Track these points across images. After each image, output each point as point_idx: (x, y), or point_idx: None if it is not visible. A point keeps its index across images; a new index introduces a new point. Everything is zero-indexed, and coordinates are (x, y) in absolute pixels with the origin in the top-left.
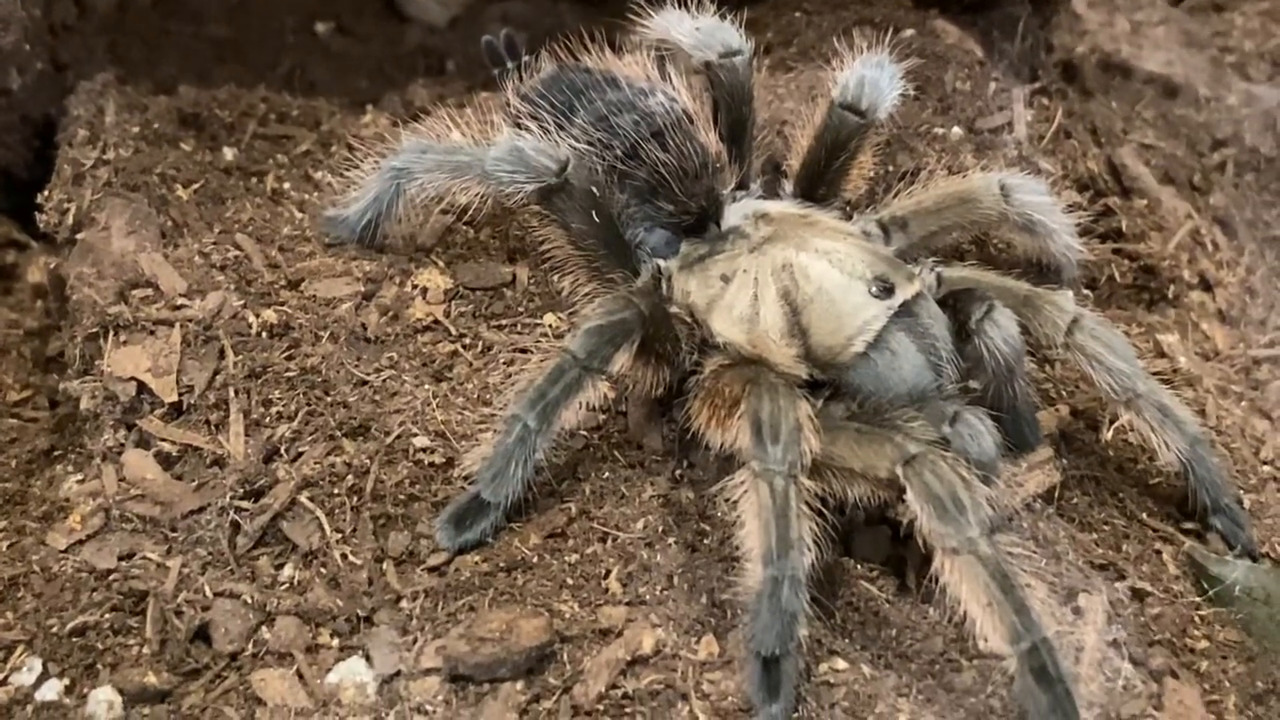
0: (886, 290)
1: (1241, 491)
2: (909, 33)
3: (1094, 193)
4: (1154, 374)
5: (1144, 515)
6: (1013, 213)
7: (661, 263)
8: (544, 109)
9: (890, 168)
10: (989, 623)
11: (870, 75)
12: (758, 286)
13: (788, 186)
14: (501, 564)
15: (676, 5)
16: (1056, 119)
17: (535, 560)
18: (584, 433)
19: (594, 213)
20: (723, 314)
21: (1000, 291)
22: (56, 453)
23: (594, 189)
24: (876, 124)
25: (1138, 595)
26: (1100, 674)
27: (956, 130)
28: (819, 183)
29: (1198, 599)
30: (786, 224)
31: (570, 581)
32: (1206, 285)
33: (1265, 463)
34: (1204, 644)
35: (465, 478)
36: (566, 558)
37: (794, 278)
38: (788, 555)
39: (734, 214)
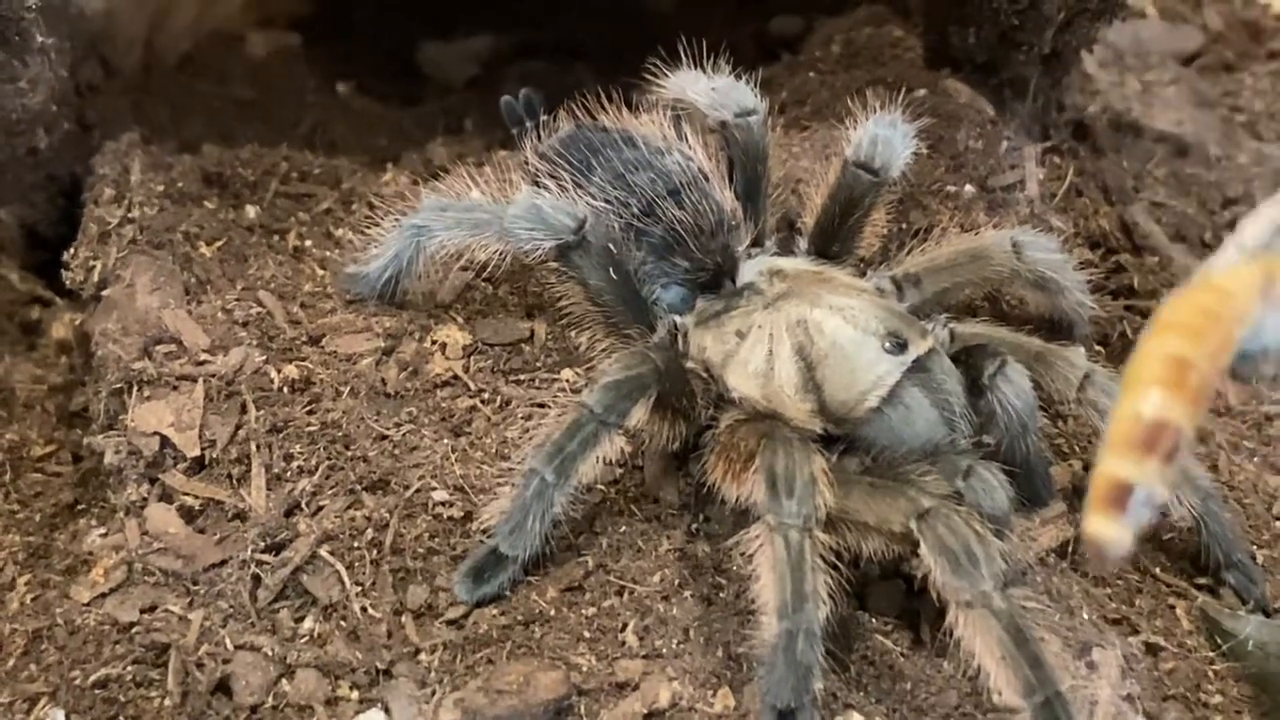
0: (900, 346)
1: (1255, 547)
2: (921, 92)
3: (1105, 250)
4: None
5: (1157, 570)
6: (1024, 269)
7: (678, 319)
8: (562, 167)
9: (904, 225)
10: (1003, 676)
11: (883, 134)
12: (772, 342)
13: (802, 244)
14: (519, 617)
15: (692, 65)
16: (1068, 177)
17: (553, 613)
18: (601, 487)
19: (611, 269)
20: (738, 369)
21: (1012, 347)
22: (80, 506)
23: (611, 246)
24: (889, 182)
25: (1151, 650)
26: None
27: (969, 188)
28: (833, 239)
29: (1211, 654)
30: (801, 280)
31: (587, 635)
32: None
33: (1278, 518)
34: (1218, 699)
35: (483, 531)
36: (584, 611)
37: (808, 333)
38: (802, 609)
39: (749, 270)
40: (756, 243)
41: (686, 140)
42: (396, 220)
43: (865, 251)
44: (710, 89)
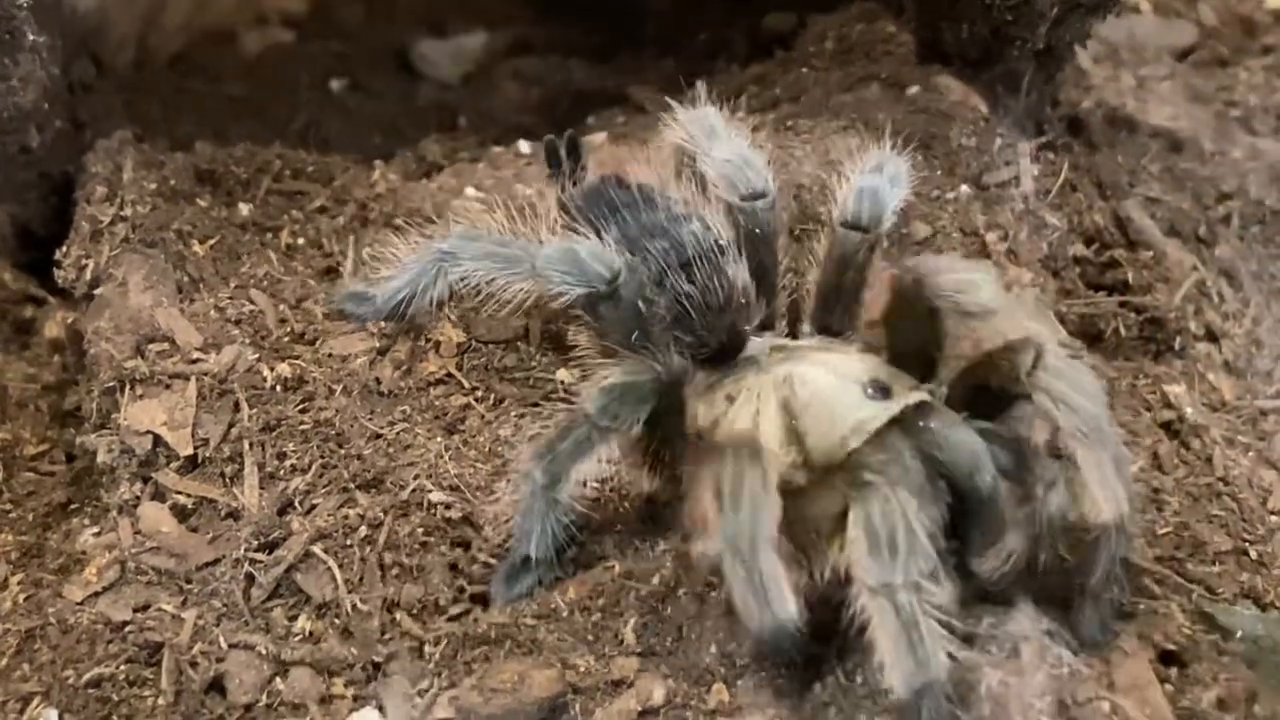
0: (883, 392)
1: (1248, 542)
2: (914, 89)
3: (1100, 245)
4: (1162, 425)
5: (1148, 563)
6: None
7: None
8: (580, 222)
9: (905, 230)
10: (889, 660)
11: (868, 186)
12: (759, 401)
13: (806, 327)
14: (520, 615)
15: (707, 101)
16: (1063, 173)
17: (565, 614)
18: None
19: (634, 328)
20: (725, 431)
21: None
22: (73, 506)
23: (640, 304)
24: (882, 236)
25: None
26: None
27: (965, 189)
28: (832, 312)
29: (1204, 646)
30: (801, 350)
31: (590, 636)
32: (1213, 337)
33: (1273, 513)
34: (1212, 691)
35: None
36: (592, 615)
37: (792, 387)
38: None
39: (753, 348)
40: (766, 326)
41: (711, 206)
42: (417, 244)
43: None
44: (724, 160)
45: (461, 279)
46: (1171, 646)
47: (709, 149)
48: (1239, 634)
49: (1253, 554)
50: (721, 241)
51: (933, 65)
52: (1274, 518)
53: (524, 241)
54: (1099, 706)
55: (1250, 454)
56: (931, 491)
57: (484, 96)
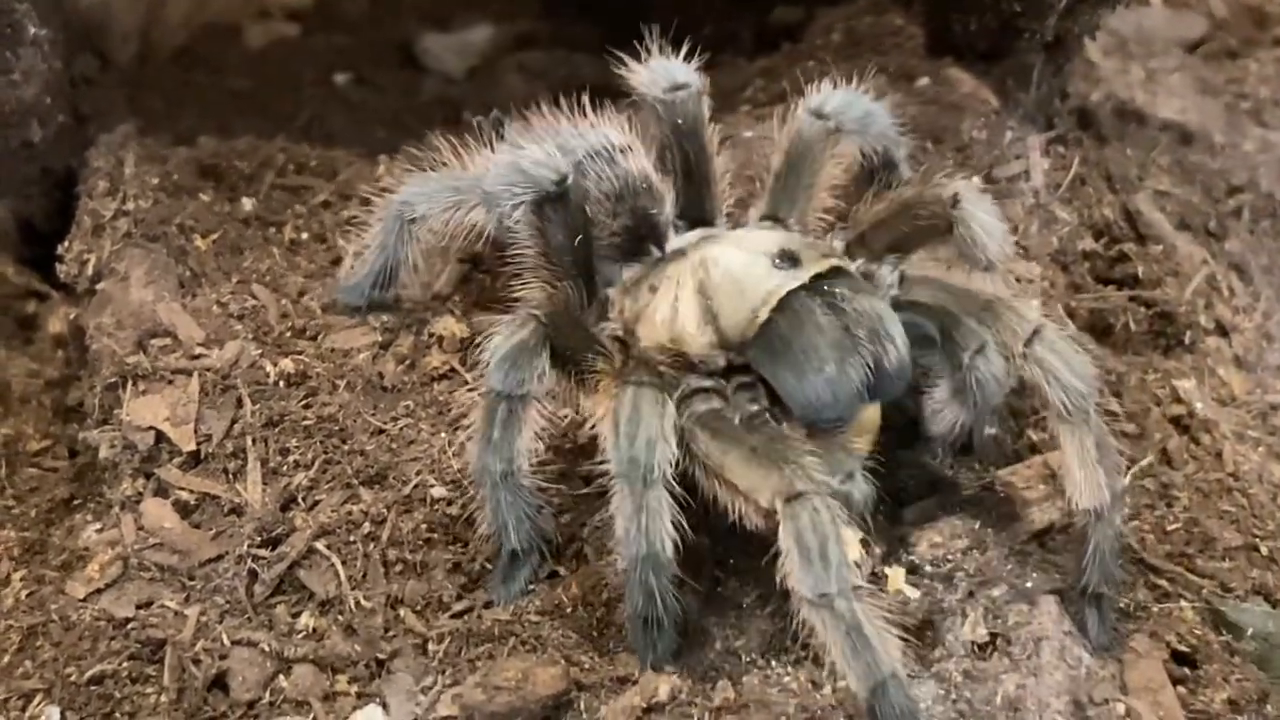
0: (792, 262)
1: (1258, 537)
2: (924, 81)
3: (1110, 239)
4: (1171, 420)
5: (1157, 561)
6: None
7: (609, 291)
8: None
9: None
10: (841, 665)
11: (841, 91)
12: (678, 288)
13: (754, 214)
14: (529, 612)
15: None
16: (1073, 167)
17: (569, 610)
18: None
19: (578, 232)
20: (647, 321)
21: (962, 295)
22: (76, 502)
23: (586, 209)
24: (843, 130)
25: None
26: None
27: (975, 180)
28: (785, 200)
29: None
30: (719, 235)
31: (594, 632)
32: (1223, 331)
33: None
34: (1223, 690)
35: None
36: (596, 611)
37: (706, 269)
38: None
39: (680, 241)
40: (702, 220)
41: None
42: (381, 215)
43: (822, 215)
44: (649, 68)
45: (422, 221)
46: (1183, 647)
47: (637, 70)
48: (1250, 631)
49: (1263, 550)
50: (613, 140)
51: (942, 58)
52: None
53: (471, 173)
54: (1114, 709)
55: (1260, 449)
56: (852, 346)
57: (489, 90)
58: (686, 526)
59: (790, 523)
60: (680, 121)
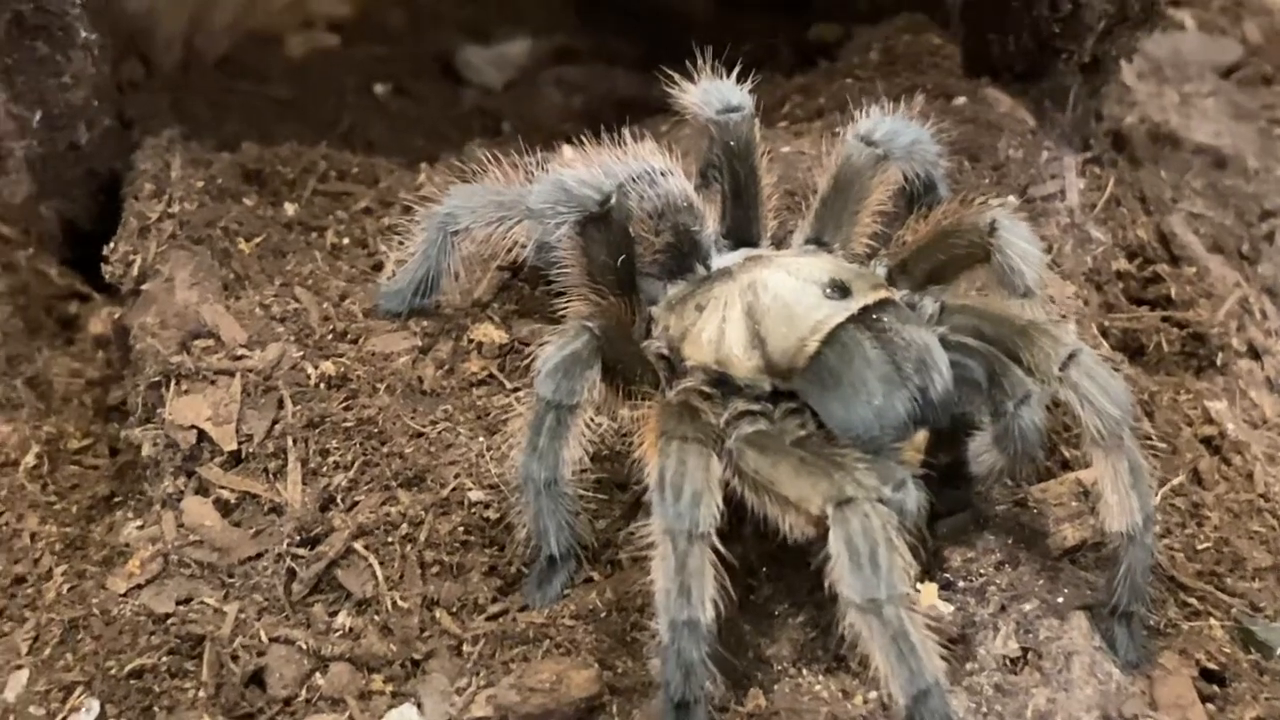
0: (842, 292)
1: None
2: (961, 100)
3: (1143, 260)
4: (1203, 440)
5: (1187, 579)
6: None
7: (652, 309)
8: None
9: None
10: (886, 670)
11: (889, 118)
12: (725, 309)
13: (799, 237)
14: (563, 616)
15: (717, 75)
16: (1108, 188)
17: (603, 614)
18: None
19: (621, 252)
20: (694, 340)
21: (999, 321)
22: (117, 499)
23: (628, 229)
24: (891, 157)
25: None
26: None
27: (1011, 199)
28: (830, 224)
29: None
30: (769, 258)
31: (628, 637)
32: (1255, 353)
33: None
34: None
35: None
36: (630, 616)
37: (755, 292)
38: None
39: (725, 260)
40: (747, 240)
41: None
42: (423, 223)
43: (866, 240)
44: (701, 90)
45: (466, 233)
46: (1213, 665)
47: (688, 91)
48: (1278, 651)
49: None
50: (654, 165)
51: (979, 77)
52: None
53: (516, 188)
54: None
55: None
56: (899, 379)
57: (527, 103)
58: (731, 593)
59: (840, 527)
60: (732, 143)
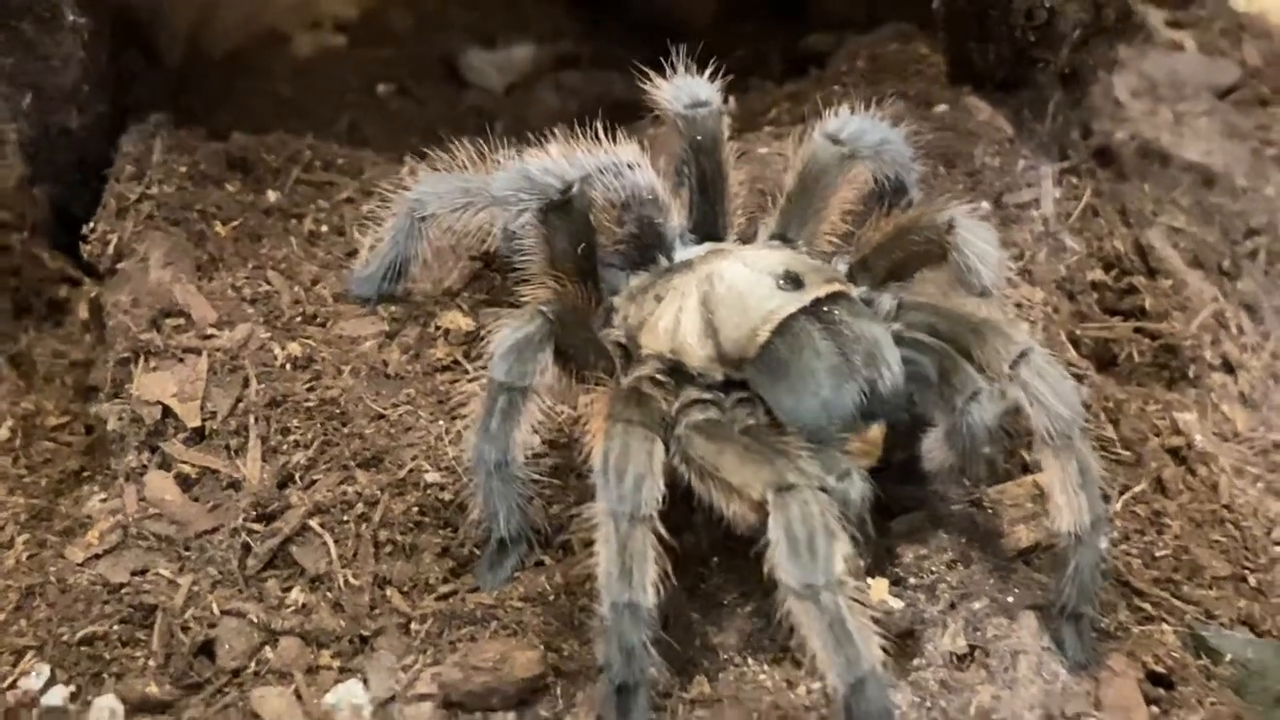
0: (795, 284)
1: (1248, 570)
2: (942, 108)
3: (1119, 271)
4: (1169, 450)
5: (1143, 585)
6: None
7: (614, 299)
8: None
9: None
10: (822, 659)
11: (856, 118)
12: (683, 299)
13: (764, 234)
14: (512, 598)
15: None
16: (1085, 197)
17: (552, 598)
18: None
19: (583, 240)
20: (650, 329)
21: (954, 319)
22: (86, 474)
23: (591, 218)
24: (858, 155)
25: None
26: None
27: (984, 205)
28: (796, 220)
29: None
30: (728, 250)
31: (575, 621)
32: (1229, 368)
33: (1277, 543)
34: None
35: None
36: (579, 600)
37: (711, 283)
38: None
39: (688, 252)
40: (713, 235)
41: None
42: (394, 211)
43: (832, 237)
44: (674, 85)
45: (433, 219)
46: (1160, 669)
47: (661, 87)
48: (1228, 657)
49: (1252, 581)
50: (622, 157)
51: (962, 86)
52: (1278, 548)
53: (483, 175)
54: None
55: (1259, 485)
56: (848, 371)
57: (524, 106)
58: (672, 576)
59: (780, 513)
60: (699, 137)
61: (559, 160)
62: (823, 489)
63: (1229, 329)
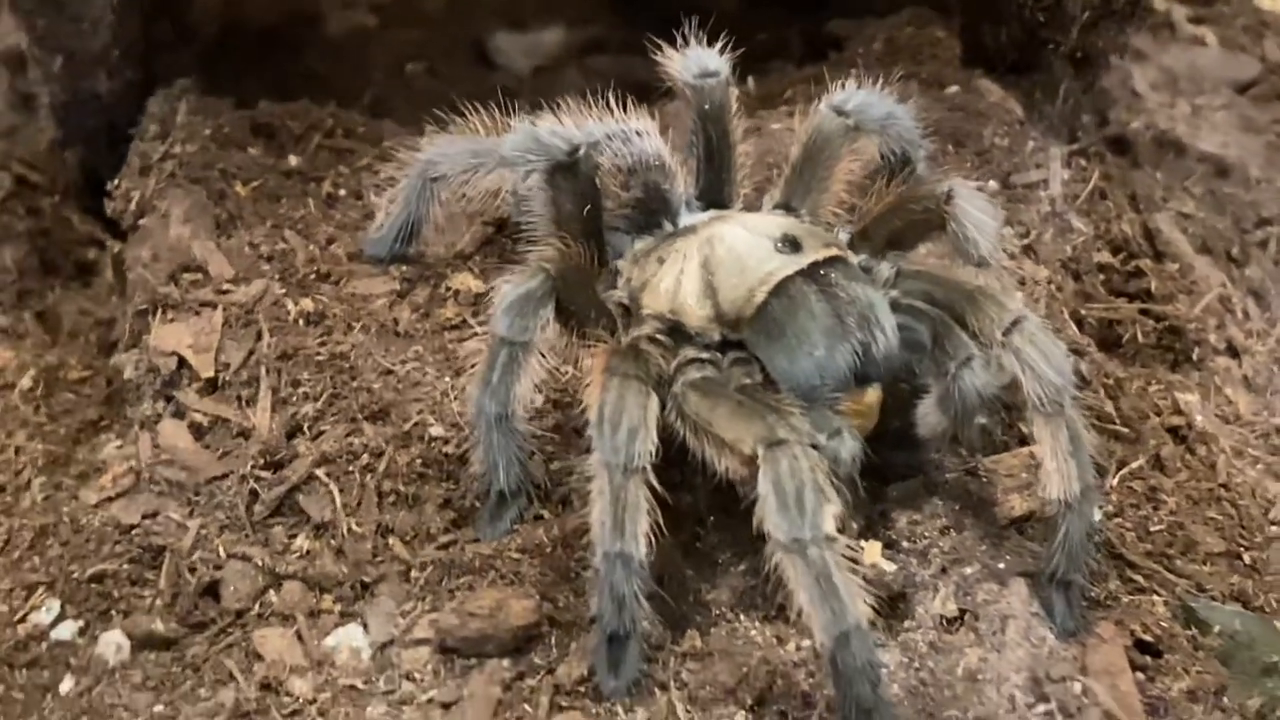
0: (793, 247)
1: (1245, 548)
2: (953, 89)
3: (1126, 254)
4: (1169, 429)
5: (1135, 557)
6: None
7: (619, 263)
8: None
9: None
10: (809, 613)
11: (863, 91)
12: (684, 261)
13: (768, 203)
14: (510, 549)
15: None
16: (1093, 180)
17: (549, 550)
18: None
19: (589, 202)
20: (652, 290)
21: (949, 286)
22: (104, 423)
23: (597, 181)
24: (863, 128)
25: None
26: None
27: (992, 184)
28: (799, 190)
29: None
30: (730, 215)
31: (572, 573)
32: (1234, 352)
33: (1273, 523)
34: (1185, 681)
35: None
36: (575, 553)
37: (712, 245)
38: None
39: (693, 218)
40: (718, 203)
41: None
42: (406, 173)
43: (835, 209)
44: (683, 55)
45: (444, 180)
46: (1148, 637)
47: (672, 57)
48: (1216, 628)
49: (1246, 558)
50: (631, 125)
51: (975, 69)
52: (1274, 528)
53: (493, 138)
54: (1070, 687)
55: (1259, 466)
56: (842, 332)
57: (548, 86)
58: (667, 532)
59: (769, 467)
60: (707, 106)
61: (568, 124)
62: (813, 446)
63: (1235, 314)
